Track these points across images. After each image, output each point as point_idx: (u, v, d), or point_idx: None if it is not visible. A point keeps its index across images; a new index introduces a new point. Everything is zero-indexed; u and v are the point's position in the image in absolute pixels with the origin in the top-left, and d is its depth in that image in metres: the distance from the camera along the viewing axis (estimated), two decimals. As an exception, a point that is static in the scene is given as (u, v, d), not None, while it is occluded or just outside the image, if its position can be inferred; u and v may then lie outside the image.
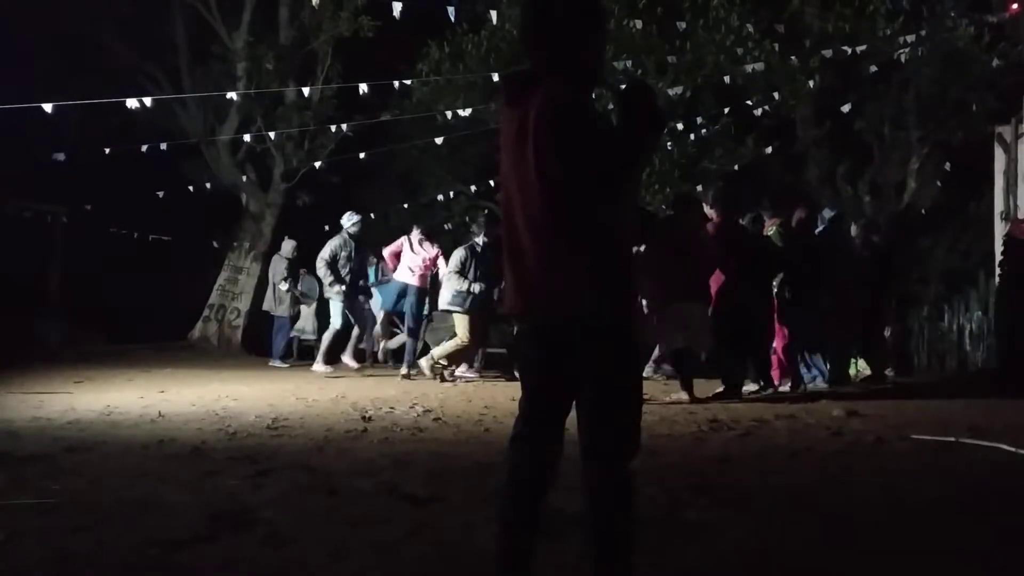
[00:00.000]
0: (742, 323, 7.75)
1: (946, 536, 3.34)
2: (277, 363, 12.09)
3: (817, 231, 8.98)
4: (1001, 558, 3.10)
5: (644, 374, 7.47)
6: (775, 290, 8.54)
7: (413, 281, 10.43)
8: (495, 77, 12.33)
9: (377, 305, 11.75)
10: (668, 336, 7.60)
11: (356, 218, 10.76)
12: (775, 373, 8.46)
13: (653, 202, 13.89)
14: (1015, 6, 12.38)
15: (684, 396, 7.41)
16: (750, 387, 8.09)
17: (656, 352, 9.62)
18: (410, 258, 10.51)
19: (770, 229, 8.60)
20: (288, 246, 12.68)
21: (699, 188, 13.88)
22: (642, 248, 7.34)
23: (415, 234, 10.62)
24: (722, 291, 7.81)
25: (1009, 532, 3.38)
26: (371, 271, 12.48)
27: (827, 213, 9.30)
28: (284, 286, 12.36)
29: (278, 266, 12.60)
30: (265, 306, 12.91)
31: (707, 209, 8.05)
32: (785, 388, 8.38)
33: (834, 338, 8.79)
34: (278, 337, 12.51)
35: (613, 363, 2.39)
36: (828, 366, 8.72)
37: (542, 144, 2.33)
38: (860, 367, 9.82)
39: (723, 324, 7.67)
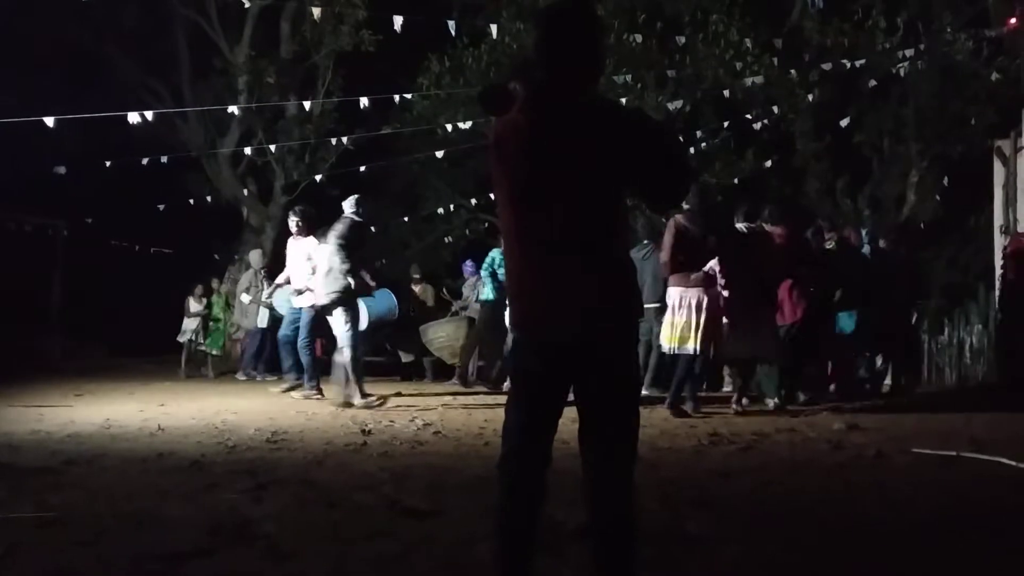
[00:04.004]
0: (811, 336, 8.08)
1: (947, 550, 3.33)
2: (244, 375, 11.89)
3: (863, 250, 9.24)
4: (1002, 572, 3.10)
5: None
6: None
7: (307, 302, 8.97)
8: (495, 90, 12.34)
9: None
10: (734, 346, 7.53)
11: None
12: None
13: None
14: (1013, 20, 12.43)
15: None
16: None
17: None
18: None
19: (829, 244, 8.83)
20: (255, 256, 12.56)
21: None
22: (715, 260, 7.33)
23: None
24: (805, 306, 8.02)
25: (1010, 546, 3.37)
26: None
27: (863, 233, 9.51)
28: (246, 298, 12.17)
29: (242, 277, 12.55)
30: (234, 318, 12.84)
31: (768, 228, 8.04)
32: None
33: (886, 349, 9.20)
34: (251, 349, 12.30)
35: (616, 374, 2.40)
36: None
37: (584, 156, 2.37)
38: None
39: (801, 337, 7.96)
